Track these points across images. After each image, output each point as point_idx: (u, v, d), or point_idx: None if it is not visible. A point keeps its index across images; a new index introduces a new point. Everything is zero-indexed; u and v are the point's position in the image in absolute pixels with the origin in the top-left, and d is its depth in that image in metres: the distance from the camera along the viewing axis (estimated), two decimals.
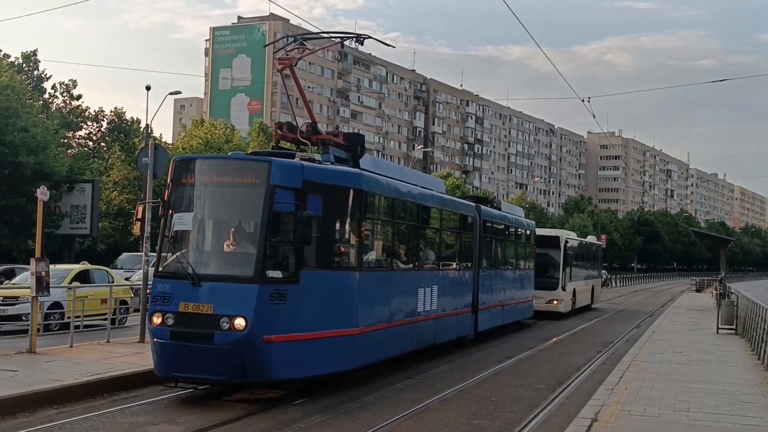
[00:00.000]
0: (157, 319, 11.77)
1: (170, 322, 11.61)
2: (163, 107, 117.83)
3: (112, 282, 23.11)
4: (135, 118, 61.70)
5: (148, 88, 44.13)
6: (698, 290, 65.06)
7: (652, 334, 24.49)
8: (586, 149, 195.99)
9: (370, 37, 16.23)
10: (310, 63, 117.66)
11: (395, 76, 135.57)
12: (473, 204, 22.75)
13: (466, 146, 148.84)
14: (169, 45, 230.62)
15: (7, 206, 41.85)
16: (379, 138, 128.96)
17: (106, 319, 19.16)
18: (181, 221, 12.47)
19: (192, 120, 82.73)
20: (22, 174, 40.07)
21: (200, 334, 11.33)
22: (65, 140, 54.55)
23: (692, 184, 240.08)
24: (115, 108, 60.47)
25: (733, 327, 25.53)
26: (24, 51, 58.76)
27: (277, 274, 11.91)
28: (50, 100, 58.87)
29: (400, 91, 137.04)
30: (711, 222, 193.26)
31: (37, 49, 58.81)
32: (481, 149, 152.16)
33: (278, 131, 15.02)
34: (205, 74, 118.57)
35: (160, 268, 12.44)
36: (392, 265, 16.00)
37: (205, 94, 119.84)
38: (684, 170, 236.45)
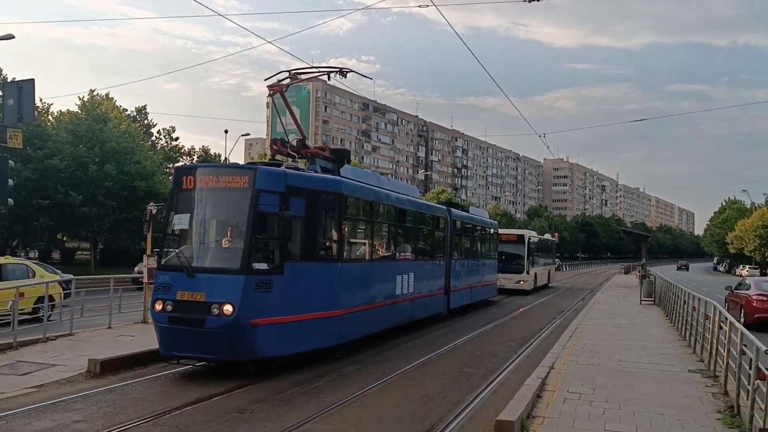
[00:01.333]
0: (158, 306, 10.50)
1: (169, 308, 10.38)
2: (237, 145, 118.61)
3: (33, 276, 17.15)
4: (217, 153, 62.42)
5: (226, 131, 45.54)
6: (626, 273, 64.86)
7: (593, 305, 24.41)
8: (542, 171, 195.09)
9: (351, 71, 14.60)
10: (342, 112, 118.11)
11: (403, 120, 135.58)
12: (444, 207, 21.28)
13: (455, 170, 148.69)
14: (240, 100, 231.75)
15: (127, 218, 42.47)
16: (392, 165, 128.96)
17: (27, 314, 15.25)
18: (180, 221, 11.19)
19: (258, 154, 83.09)
20: (137, 195, 40.49)
21: (194, 318, 10.13)
22: (167, 170, 55.19)
23: (620, 196, 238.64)
24: (203, 146, 61.26)
25: (652, 299, 25.40)
26: (137, 106, 59.39)
27: (263, 266, 10.54)
28: (156, 141, 59.50)
29: (407, 131, 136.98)
30: (635, 223, 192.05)
31: (146, 105, 59.62)
32: (467, 172, 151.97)
33: (273, 147, 13.57)
34: (267, 121, 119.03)
35: (162, 262, 11.11)
36: (371, 257, 14.33)
37: (266, 135, 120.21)
38: (614, 185, 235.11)
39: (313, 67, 14.75)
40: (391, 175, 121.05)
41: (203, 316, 10.12)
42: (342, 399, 9.23)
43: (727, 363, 9.27)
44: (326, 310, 11.81)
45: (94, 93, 46.29)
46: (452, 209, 21.66)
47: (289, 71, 13.92)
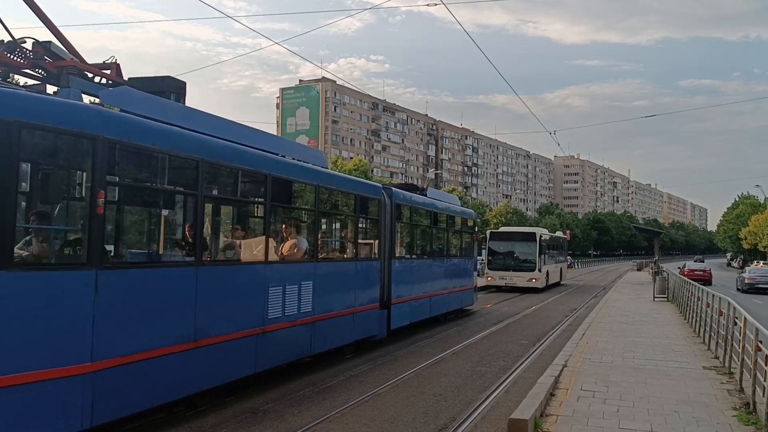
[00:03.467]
0: None
1: None
2: None
3: None
4: None
5: None
6: (638, 269, 64.38)
7: (606, 302, 24.30)
8: (553, 168, 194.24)
9: None
10: (351, 111, 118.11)
11: (413, 119, 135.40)
12: (379, 186, 14.80)
13: (465, 168, 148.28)
14: (250, 101, 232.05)
15: None
16: (402, 164, 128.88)
17: None
18: None
19: None
20: None
21: None
22: None
23: (632, 192, 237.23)
24: None
25: (665, 296, 25.26)
26: None
27: None
28: None
29: (417, 130, 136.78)
30: (647, 219, 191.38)
31: None
32: (477, 171, 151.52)
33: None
34: (277, 122, 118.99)
35: None
36: (203, 257, 8.17)
37: (277, 135, 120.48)
38: (626, 182, 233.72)
39: None
40: (402, 174, 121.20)
41: None
42: (355, 398, 9.24)
43: (743, 359, 9.20)
44: (60, 363, 6.05)
45: None
46: (394, 190, 15.39)
47: None
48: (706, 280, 35.75)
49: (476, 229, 23.68)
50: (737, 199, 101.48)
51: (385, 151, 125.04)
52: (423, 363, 12.18)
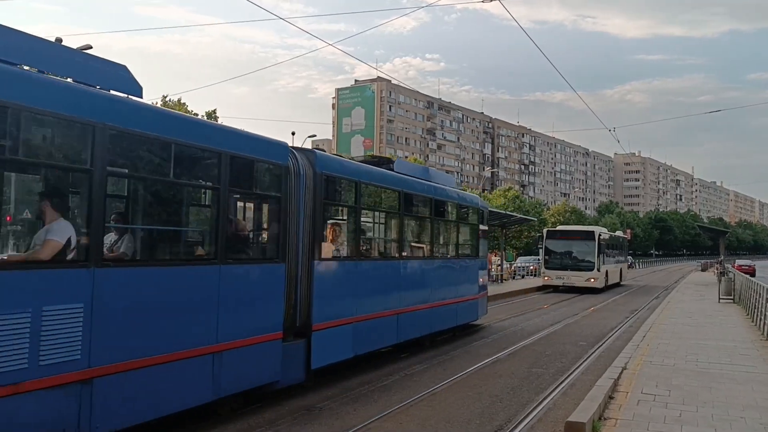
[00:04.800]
0: None
1: None
2: (304, 146, 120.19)
3: None
4: None
5: (293, 133, 45.54)
6: (703, 270, 62.40)
7: (668, 303, 23.64)
8: (613, 166, 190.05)
9: None
10: (406, 111, 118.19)
11: (468, 117, 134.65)
12: (283, 145, 9.07)
13: (522, 167, 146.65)
14: (307, 102, 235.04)
15: None
16: (458, 163, 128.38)
17: None
18: None
19: None
20: None
21: None
22: None
23: (696, 190, 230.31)
24: None
25: (731, 297, 24.41)
26: (207, 110, 60.95)
27: None
28: None
29: (473, 128, 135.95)
30: (712, 218, 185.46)
31: (216, 109, 60.88)
32: (534, 169, 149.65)
33: None
34: (333, 122, 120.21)
35: None
36: None
37: (333, 136, 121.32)
38: (689, 180, 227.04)
39: None
40: (457, 173, 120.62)
41: None
42: (409, 397, 9.24)
43: None
44: None
45: (167, 99, 47.92)
46: (320, 154, 9.99)
47: None
48: (750, 273, 42.05)
49: (483, 220, 17.44)
50: None
51: (440, 150, 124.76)
52: (478, 363, 12.07)
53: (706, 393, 8.97)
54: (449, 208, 15.40)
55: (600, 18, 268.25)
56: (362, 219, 11.21)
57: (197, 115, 56.35)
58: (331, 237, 10.27)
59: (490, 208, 20.91)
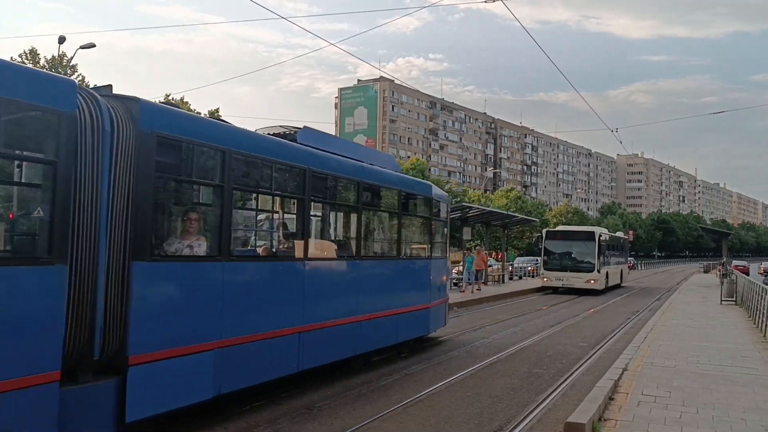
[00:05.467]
0: None
1: None
2: None
3: None
4: None
5: None
6: (705, 272, 62.37)
7: (670, 305, 23.58)
8: (616, 167, 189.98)
9: None
10: (409, 111, 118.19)
11: (471, 118, 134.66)
12: (68, 82, 5.98)
13: (525, 167, 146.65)
14: (309, 101, 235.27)
15: None
16: (461, 163, 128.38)
17: None
18: None
19: None
20: None
21: None
22: None
23: (699, 192, 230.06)
24: None
25: (733, 299, 24.34)
26: (210, 109, 61.07)
27: None
28: None
29: (475, 129, 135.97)
30: (715, 220, 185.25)
31: (218, 108, 61.12)
32: (536, 169, 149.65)
33: None
34: (335, 121, 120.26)
35: None
36: None
37: (335, 135, 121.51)
38: (692, 181, 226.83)
39: None
40: (459, 173, 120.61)
41: None
42: (409, 397, 9.22)
43: None
44: None
45: (170, 97, 47.89)
46: (144, 102, 6.77)
47: None
48: (745, 273, 42.12)
49: (439, 213, 14.41)
50: None
51: (443, 150, 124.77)
52: (479, 364, 12.05)
53: (707, 395, 8.95)
54: (386, 196, 12.17)
55: (604, 18, 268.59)
56: (238, 204, 8.60)
57: (199, 114, 56.60)
58: (180, 228, 7.35)
59: (490, 209, 20.23)
